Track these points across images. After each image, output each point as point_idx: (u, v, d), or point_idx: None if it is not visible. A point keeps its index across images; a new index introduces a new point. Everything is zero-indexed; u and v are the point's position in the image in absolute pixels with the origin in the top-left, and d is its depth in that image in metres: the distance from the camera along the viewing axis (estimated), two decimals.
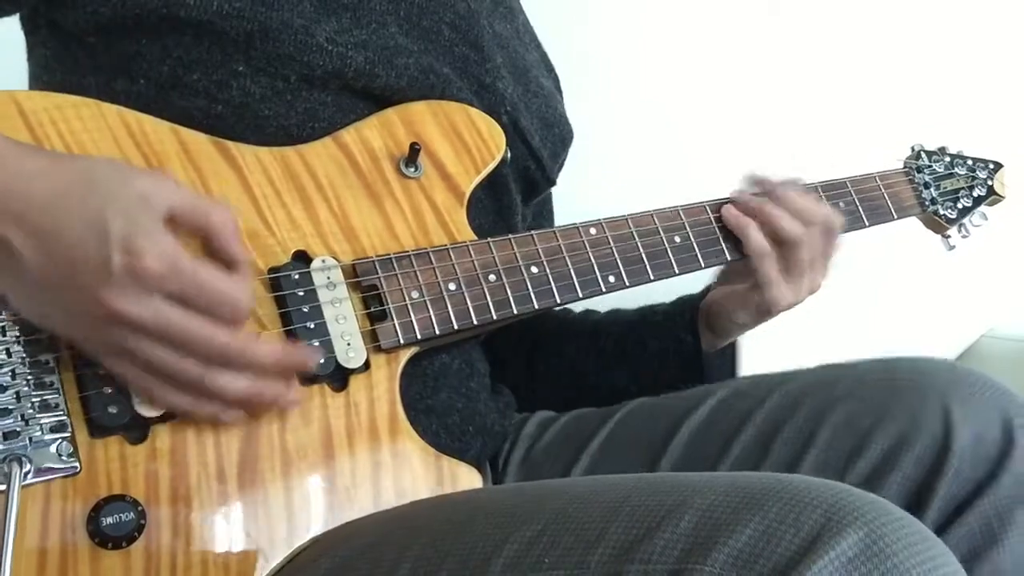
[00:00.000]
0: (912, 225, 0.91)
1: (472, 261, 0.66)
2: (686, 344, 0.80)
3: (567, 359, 0.85)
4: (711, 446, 0.71)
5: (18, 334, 0.54)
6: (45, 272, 0.50)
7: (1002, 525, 0.62)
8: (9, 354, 0.53)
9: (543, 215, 0.89)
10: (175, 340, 0.51)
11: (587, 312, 0.89)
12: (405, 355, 0.63)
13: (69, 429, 0.53)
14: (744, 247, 0.76)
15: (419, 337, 0.63)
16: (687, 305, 0.82)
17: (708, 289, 0.83)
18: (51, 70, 0.69)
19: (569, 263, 0.70)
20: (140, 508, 0.53)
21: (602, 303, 0.82)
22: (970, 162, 0.94)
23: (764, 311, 0.77)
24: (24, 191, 0.50)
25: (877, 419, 0.66)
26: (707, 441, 0.72)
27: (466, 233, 0.68)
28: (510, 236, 0.68)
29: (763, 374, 0.77)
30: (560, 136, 0.83)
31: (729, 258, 0.77)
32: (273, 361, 0.55)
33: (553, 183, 0.84)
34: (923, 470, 0.64)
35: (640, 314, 0.84)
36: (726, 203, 0.78)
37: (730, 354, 0.84)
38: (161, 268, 0.50)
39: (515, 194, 0.77)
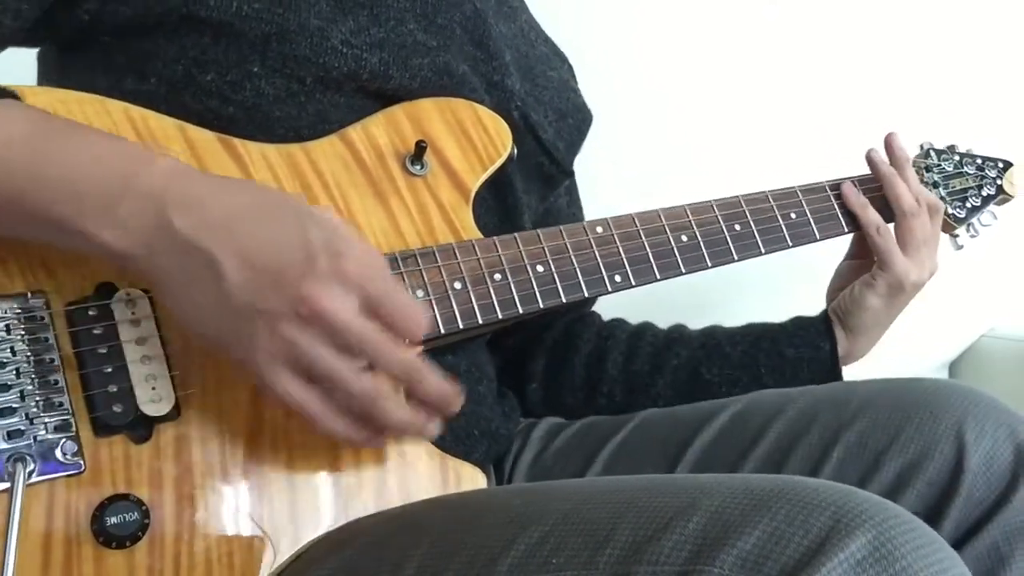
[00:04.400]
0: None
1: (478, 260, 0.66)
2: (823, 352, 0.82)
3: (684, 368, 0.83)
4: (725, 461, 0.71)
5: (23, 332, 0.54)
6: (244, 279, 0.50)
7: (1011, 548, 0.63)
8: (14, 352, 0.53)
9: (574, 203, 0.89)
10: (366, 347, 0.51)
11: (678, 325, 0.88)
12: None
13: (73, 428, 0.53)
14: (860, 222, 0.82)
15: (423, 336, 0.63)
16: (816, 316, 0.84)
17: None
18: (62, 69, 0.69)
19: (575, 262, 0.69)
20: (144, 507, 0.53)
21: (607, 303, 0.82)
22: (979, 161, 0.93)
23: (895, 288, 0.80)
24: (222, 202, 0.51)
25: (890, 440, 0.66)
26: (720, 455, 0.72)
27: (472, 231, 0.68)
28: (515, 235, 0.68)
29: (777, 389, 0.77)
30: (576, 126, 0.83)
31: (736, 258, 0.77)
32: (443, 394, 0.55)
33: (570, 174, 0.83)
34: (935, 492, 0.65)
35: (764, 327, 0.85)
36: (732, 201, 0.77)
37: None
38: (363, 271, 0.51)
39: (521, 194, 0.76)
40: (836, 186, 0.84)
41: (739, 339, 0.84)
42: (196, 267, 0.50)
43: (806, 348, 0.82)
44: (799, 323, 0.84)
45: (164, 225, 0.50)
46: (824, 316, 0.84)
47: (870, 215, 0.82)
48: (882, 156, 0.85)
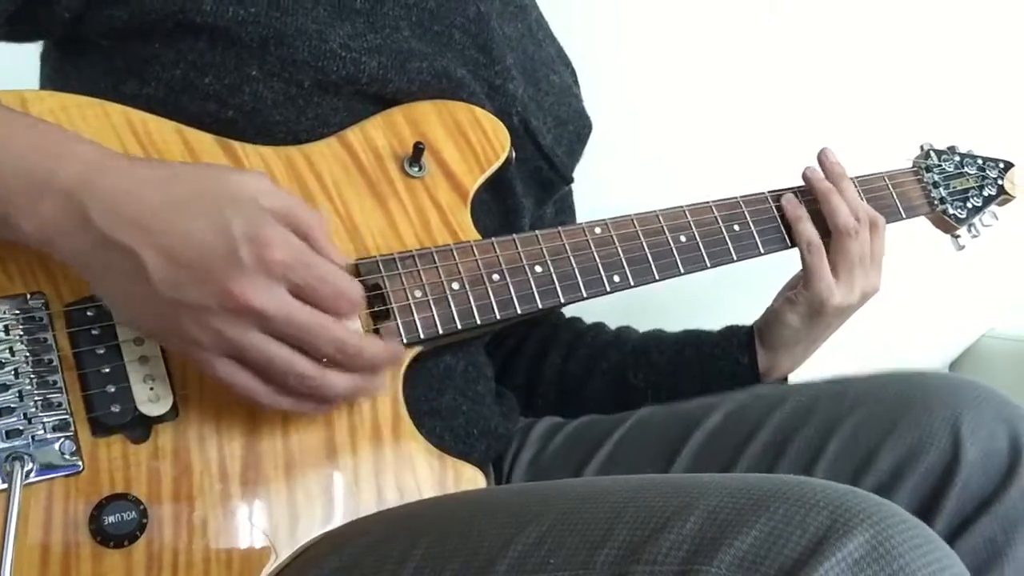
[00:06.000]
0: (913, 225, 0.90)
1: (476, 260, 0.66)
2: (742, 366, 0.80)
3: (612, 372, 0.84)
4: (721, 456, 0.71)
5: (21, 333, 0.54)
6: (168, 275, 0.50)
7: (1007, 540, 0.62)
8: (12, 352, 0.54)
9: (564, 211, 0.89)
10: (297, 332, 0.52)
11: (626, 328, 0.88)
12: (409, 355, 0.63)
13: (72, 428, 0.53)
14: (795, 237, 0.78)
15: (422, 336, 0.63)
16: (742, 328, 0.82)
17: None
18: (64, 73, 0.69)
19: (573, 263, 0.69)
20: (142, 507, 0.53)
21: (604, 305, 0.82)
22: (980, 161, 0.93)
23: (815, 309, 0.77)
24: (139, 197, 0.51)
25: (886, 433, 0.66)
26: (717, 451, 0.71)
27: (470, 232, 0.68)
28: (514, 236, 0.68)
29: (773, 384, 0.76)
30: (576, 132, 0.83)
31: (735, 258, 0.76)
32: (384, 359, 0.56)
33: (569, 181, 0.83)
34: (931, 485, 0.64)
35: (696, 335, 0.84)
36: (731, 201, 0.77)
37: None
38: (287, 258, 0.51)
39: (521, 197, 0.76)
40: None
41: (668, 346, 0.83)
42: (120, 263, 0.50)
43: (726, 361, 0.81)
44: (727, 333, 0.82)
45: (84, 222, 0.50)
46: (749, 329, 0.82)
47: (803, 229, 0.77)
48: (819, 173, 0.81)
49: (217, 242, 0.50)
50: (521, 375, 0.87)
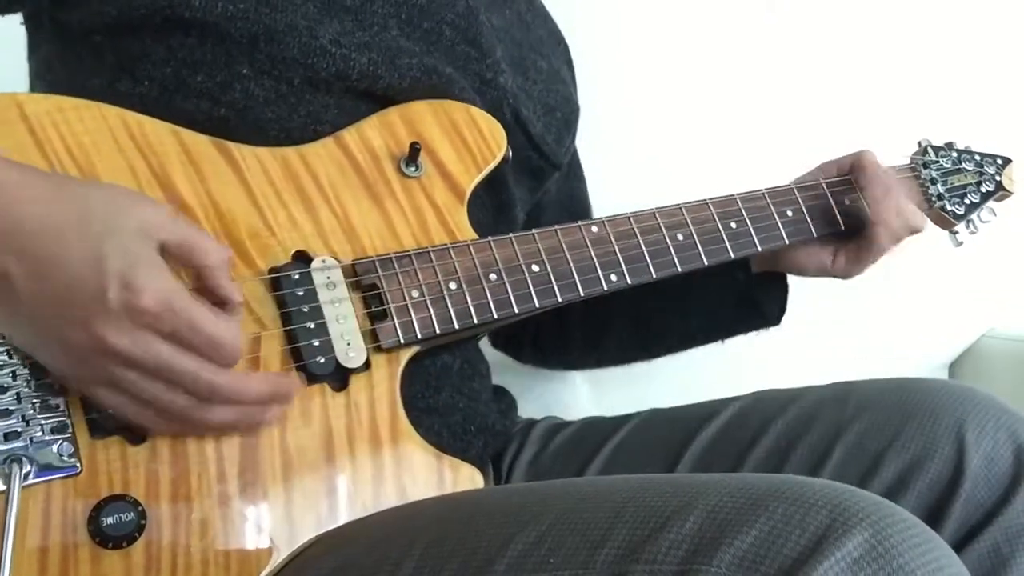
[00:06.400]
0: None
1: (473, 260, 0.66)
2: (738, 280, 0.82)
3: (630, 305, 0.84)
4: (724, 461, 0.71)
5: None
6: (39, 302, 0.49)
7: (1012, 550, 0.63)
8: (10, 355, 0.53)
9: (579, 213, 0.90)
10: (166, 377, 0.51)
11: None
12: (406, 355, 0.63)
13: (70, 430, 0.53)
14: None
15: (419, 336, 0.63)
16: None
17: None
18: (54, 70, 0.69)
19: (571, 261, 0.69)
20: (140, 508, 0.53)
21: None
22: (978, 157, 0.93)
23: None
24: (20, 218, 0.49)
25: (890, 441, 0.66)
26: (720, 456, 0.72)
27: (467, 232, 0.68)
28: (511, 235, 0.68)
29: (776, 389, 0.76)
30: (564, 119, 0.83)
31: (732, 255, 0.76)
32: (263, 396, 0.55)
33: (558, 167, 0.83)
34: (936, 494, 0.65)
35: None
36: (728, 198, 0.77)
37: (782, 288, 0.85)
38: (156, 307, 0.49)
39: (514, 188, 0.76)
40: (835, 183, 0.83)
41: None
42: None
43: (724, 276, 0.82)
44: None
45: None
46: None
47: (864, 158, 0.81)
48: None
49: (88, 277, 0.49)
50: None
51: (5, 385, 0.53)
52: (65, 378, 0.53)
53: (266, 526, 0.56)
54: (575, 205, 0.92)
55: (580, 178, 0.94)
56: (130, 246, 0.50)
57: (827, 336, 1.15)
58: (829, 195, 0.82)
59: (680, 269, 0.74)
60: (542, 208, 0.86)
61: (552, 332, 0.91)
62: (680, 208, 0.75)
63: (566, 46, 0.89)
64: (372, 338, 0.62)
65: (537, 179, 0.81)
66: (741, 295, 0.83)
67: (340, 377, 0.61)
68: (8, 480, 0.50)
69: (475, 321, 0.65)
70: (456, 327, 0.64)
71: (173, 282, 0.51)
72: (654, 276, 0.72)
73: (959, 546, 0.63)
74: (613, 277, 0.70)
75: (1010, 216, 0.95)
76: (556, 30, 0.88)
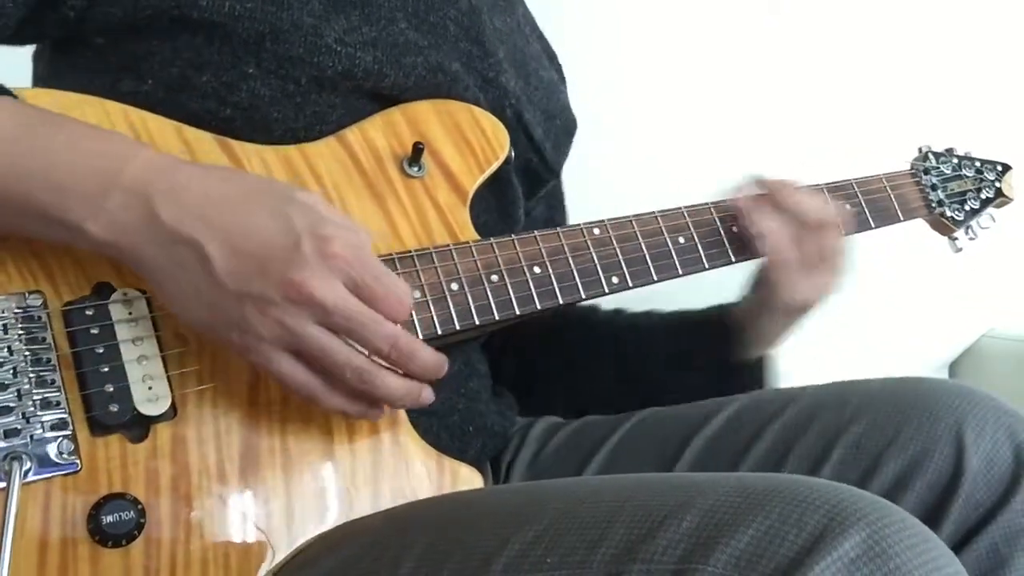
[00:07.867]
0: (913, 226, 0.90)
1: (475, 261, 0.66)
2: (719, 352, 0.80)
3: (610, 358, 0.85)
4: (722, 461, 0.71)
5: (20, 332, 0.54)
6: (231, 267, 0.51)
7: (1011, 550, 0.62)
8: (11, 351, 0.54)
9: (555, 207, 0.89)
10: (354, 327, 0.53)
11: (617, 311, 0.89)
12: None
13: (70, 427, 0.53)
14: (761, 247, 0.76)
15: (420, 337, 0.63)
16: (723, 311, 0.82)
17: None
18: (58, 71, 0.69)
19: (572, 263, 0.69)
20: (140, 506, 0.53)
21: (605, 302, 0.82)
22: (978, 164, 0.93)
23: (792, 311, 0.77)
24: (203, 192, 0.53)
25: (889, 441, 0.66)
26: (718, 456, 0.72)
27: (469, 233, 0.68)
28: (513, 236, 0.68)
29: (775, 388, 0.76)
30: (563, 127, 0.84)
31: (734, 259, 0.76)
32: (432, 364, 0.57)
33: (556, 175, 0.84)
34: (935, 494, 0.64)
35: (679, 317, 0.85)
36: (725, 204, 0.77)
37: (760, 366, 0.82)
38: (347, 253, 0.53)
39: (516, 186, 0.77)
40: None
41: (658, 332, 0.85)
42: (183, 256, 0.52)
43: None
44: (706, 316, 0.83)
45: (151, 218, 0.52)
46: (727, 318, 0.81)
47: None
48: (748, 195, 0.78)
49: (279, 234, 0.52)
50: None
51: (6, 382, 0.53)
52: (247, 348, 0.53)
53: (265, 525, 0.56)
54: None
55: (562, 209, 0.92)
56: (308, 209, 0.53)
57: (827, 336, 1.14)
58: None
59: (681, 272, 0.74)
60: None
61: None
62: (682, 211, 0.75)
63: (559, 64, 0.89)
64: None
65: (534, 184, 0.81)
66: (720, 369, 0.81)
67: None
68: (8, 477, 0.50)
69: (476, 322, 0.65)
70: (457, 327, 0.64)
71: (358, 235, 0.54)
72: (655, 279, 0.73)
73: (958, 546, 0.63)
74: (615, 279, 0.71)
75: (1010, 217, 0.95)
76: (549, 48, 0.89)
